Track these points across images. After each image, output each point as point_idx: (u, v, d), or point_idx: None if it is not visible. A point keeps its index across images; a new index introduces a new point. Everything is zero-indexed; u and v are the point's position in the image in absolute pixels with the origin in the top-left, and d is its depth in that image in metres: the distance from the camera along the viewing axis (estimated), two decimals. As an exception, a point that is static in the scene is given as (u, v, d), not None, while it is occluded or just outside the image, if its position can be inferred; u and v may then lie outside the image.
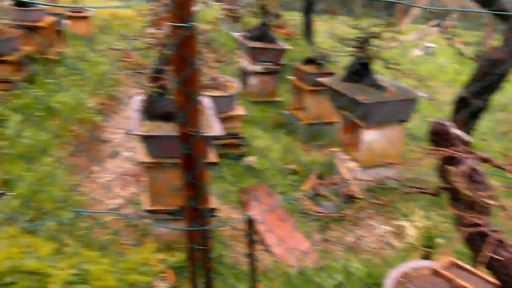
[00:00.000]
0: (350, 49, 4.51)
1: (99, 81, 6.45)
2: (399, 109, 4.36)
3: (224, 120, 4.27)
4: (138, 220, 3.55)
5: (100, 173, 4.64)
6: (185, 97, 1.39)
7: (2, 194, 3.57)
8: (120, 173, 4.65)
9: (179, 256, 1.65)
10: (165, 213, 3.44)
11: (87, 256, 1.38)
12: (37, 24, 6.10)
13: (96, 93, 6.17)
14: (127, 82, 7.10)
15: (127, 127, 5.61)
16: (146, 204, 3.47)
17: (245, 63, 6.73)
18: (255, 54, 6.53)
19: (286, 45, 6.85)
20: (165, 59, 2.91)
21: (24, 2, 5.86)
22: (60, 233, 3.20)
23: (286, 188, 4.56)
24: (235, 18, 10.11)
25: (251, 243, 2.23)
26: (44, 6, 6.40)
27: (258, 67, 6.56)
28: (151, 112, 3.17)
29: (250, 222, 2.10)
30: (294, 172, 4.84)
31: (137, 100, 3.54)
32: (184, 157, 1.54)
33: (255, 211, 4.06)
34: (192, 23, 1.28)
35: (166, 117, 3.12)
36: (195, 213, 1.75)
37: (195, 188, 1.63)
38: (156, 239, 3.44)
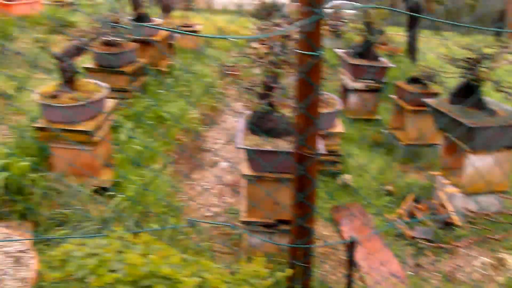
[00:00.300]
0: (458, 69, 4.35)
1: (203, 92, 6.77)
2: (509, 134, 4.13)
3: (324, 136, 4.29)
4: (246, 233, 3.63)
5: (200, 181, 4.84)
6: (306, 120, 1.45)
7: (114, 195, 3.85)
8: (218, 182, 4.82)
9: (289, 272, 1.69)
10: (261, 225, 3.52)
11: (204, 264, 1.47)
12: (152, 38, 6.55)
13: (200, 104, 6.47)
14: (228, 94, 7.37)
15: (227, 138, 5.83)
16: (243, 215, 3.57)
17: (347, 80, 6.72)
18: (356, 71, 6.50)
19: (388, 63, 6.74)
20: (274, 76, 3.00)
21: (142, 17, 6.33)
22: (162, 236, 3.40)
23: (381, 209, 4.48)
24: (338, 34, 10.11)
25: (350, 265, 2.23)
26: (159, 21, 6.85)
27: (359, 85, 6.52)
28: (256, 126, 3.28)
29: (352, 245, 2.10)
30: (390, 193, 4.74)
31: (243, 114, 3.67)
32: (298, 177, 1.60)
33: (348, 230, 4.03)
34: (321, 52, 1.33)
35: (271, 132, 3.20)
36: (302, 231, 1.80)
37: (305, 207, 1.68)
38: (249, 250, 3.54)
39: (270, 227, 3.47)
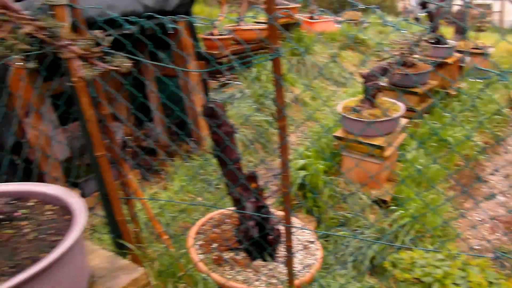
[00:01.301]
0: None
1: (488, 119, 6.47)
2: None
3: None
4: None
5: (472, 211, 4.70)
6: None
7: (392, 209, 4.06)
8: (491, 216, 4.61)
9: None
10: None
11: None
12: (445, 60, 6.55)
13: (484, 131, 6.21)
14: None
15: (509, 171, 5.49)
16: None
17: None
18: None
19: None
20: None
21: (438, 39, 6.40)
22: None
23: None
24: None
25: None
26: (454, 43, 6.80)
27: None
28: None
29: None
30: None
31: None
32: None
33: None
34: None
35: None
36: None
37: None
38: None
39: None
